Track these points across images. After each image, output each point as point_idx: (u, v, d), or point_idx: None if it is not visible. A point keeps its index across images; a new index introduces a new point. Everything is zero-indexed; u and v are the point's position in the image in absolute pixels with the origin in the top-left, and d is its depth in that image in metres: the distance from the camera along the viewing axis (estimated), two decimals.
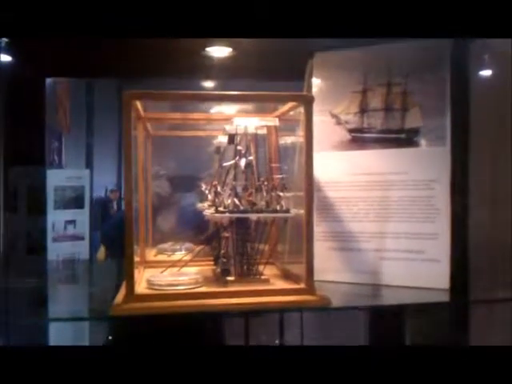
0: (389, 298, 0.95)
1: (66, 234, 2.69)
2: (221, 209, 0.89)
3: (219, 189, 0.91)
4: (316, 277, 0.86)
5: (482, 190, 1.01)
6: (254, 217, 0.90)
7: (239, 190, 0.89)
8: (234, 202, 0.88)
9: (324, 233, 1.04)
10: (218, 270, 0.93)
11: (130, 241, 0.81)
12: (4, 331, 0.85)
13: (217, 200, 0.90)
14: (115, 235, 2.07)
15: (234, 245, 0.93)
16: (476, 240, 0.96)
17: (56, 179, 2.76)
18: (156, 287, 0.85)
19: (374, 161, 1.01)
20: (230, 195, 0.89)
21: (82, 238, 2.78)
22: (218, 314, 0.93)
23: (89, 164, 2.95)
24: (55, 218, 2.68)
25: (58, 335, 1.13)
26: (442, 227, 0.95)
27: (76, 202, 2.80)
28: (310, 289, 0.84)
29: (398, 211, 0.99)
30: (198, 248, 1.06)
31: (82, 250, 2.80)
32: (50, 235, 2.56)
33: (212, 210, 0.91)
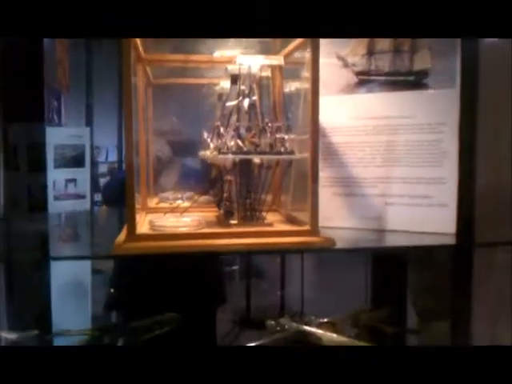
0: (394, 242, 0.93)
1: (67, 192, 2.68)
2: (224, 151, 0.87)
3: (222, 130, 0.89)
4: (321, 224, 0.85)
5: (490, 134, 0.99)
6: (257, 159, 0.88)
7: (242, 131, 0.87)
8: (237, 144, 0.86)
9: (329, 179, 1.02)
10: (221, 212, 0.91)
11: (131, 181, 0.79)
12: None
13: (219, 141, 0.88)
14: (116, 195, 2.05)
15: (237, 188, 0.91)
16: (483, 184, 0.94)
17: (56, 137, 2.73)
18: (158, 228, 0.84)
19: (381, 104, 0.98)
20: (232, 137, 0.87)
21: (84, 197, 2.77)
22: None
23: (89, 123, 2.92)
24: (56, 176, 2.67)
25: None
26: (449, 171, 0.93)
27: (76, 160, 2.78)
28: (315, 230, 0.83)
29: (404, 156, 0.97)
30: (201, 194, 1.04)
31: (83, 208, 2.80)
32: (51, 194, 2.55)
33: (215, 153, 0.89)
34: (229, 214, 0.88)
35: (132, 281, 1.94)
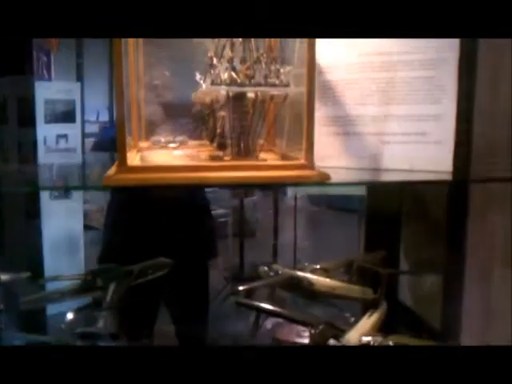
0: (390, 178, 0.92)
1: (58, 148, 2.66)
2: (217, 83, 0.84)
3: (215, 61, 0.86)
4: (316, 163, 0.83)
5: (489, 70, 0.97)
6: (251, 93, 0.86)
7: (236, 62, 0.84)
8: (231, 76, 0.83)
9: (324, 118, 0.99)
10: (214, 145, 0.89)
11: (121, 111, 0.77)
12: None
13: (212, 72, 0.85)
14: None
15: (231, 124, 0.89)
16: (480, 122, 0.93)
17: (46, 92, 2.69)
18: (149, 161, 0.82)
19: (379, 40, 0.95)
20: (226, 69, 0.84)
21: (74, 151, 2.75)
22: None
23: (80, 78, 2.87)
24: (47, 132, 2.64)
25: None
26: (447, 108, 0.91)
27: (67, 116, 2.74)
28: (310, 164, 0.81)
29: (402, 92, 0.95)
30: (194, 129, 1.01)
31: (74, 161, 2.78)
32: (41, 149, 2.53)
33: (208, 85, 0.86)
34: (222, 146, 0.86)
35: (125, 229, 1.94)
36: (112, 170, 0.78)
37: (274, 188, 3.33)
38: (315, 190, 3.09)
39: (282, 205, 3.74)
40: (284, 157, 0.96)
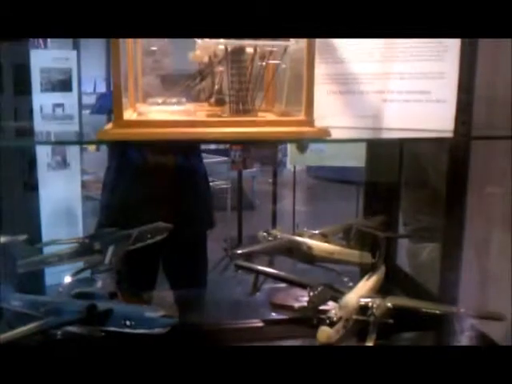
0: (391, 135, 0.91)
1: (55, 116, 2.62)
2: None
3: None
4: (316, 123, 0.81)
5: None
6: (250, 47, 0.84)
7: None
8: None
9: (324, 76, 0.97)
10: (212, 101, 0.87)
11: (117, 68, 0.75)
12: None
13: None
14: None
15: (229, 80, 0.87)
16: (482, 80, 0.91)
17: (42, 60, 2.64)
18: (147, 116, 0.80)
19: None
20: None
21: (71, 118, 2.71)
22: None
23: (76, 46, 2.81)
24: (43, 100, 2.60)
25: None
26: (450, 66, 0.89)
27: (64, 84, 2.70)
28: (310, 120, 0.79)
29: (404, 50, 0.92)
30: (193, 85, 0.99)
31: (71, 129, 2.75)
32: (38, 118, 2.49)
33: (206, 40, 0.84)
34: (220, 102, 0.84)
35: (123, 197, 1.93)
36: (108, 126, 0.77)
37: (272, 160, 3.32)
38: (314, 160, 3.07)
39: (281, 178, 3.73)
40: (283, 114, 0.94)
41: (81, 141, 0.91)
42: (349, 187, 3.48)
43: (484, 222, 1.32)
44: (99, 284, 1.03)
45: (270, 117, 0.95)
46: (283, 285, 1.33)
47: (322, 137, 0.79)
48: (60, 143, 0.83)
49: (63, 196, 2.63)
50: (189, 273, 2.04)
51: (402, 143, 1.14)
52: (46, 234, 1.46)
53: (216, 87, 0.88)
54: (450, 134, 0.88)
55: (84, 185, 2.90)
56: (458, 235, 1.19)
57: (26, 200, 1.64)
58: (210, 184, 2.23)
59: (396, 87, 0.93)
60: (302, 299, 1.20)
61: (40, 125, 2.27)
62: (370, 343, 0.98)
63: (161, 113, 0.82)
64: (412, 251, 1.69)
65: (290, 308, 1.22)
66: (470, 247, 1.23)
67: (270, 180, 3.42)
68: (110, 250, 1.14)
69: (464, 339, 1.07)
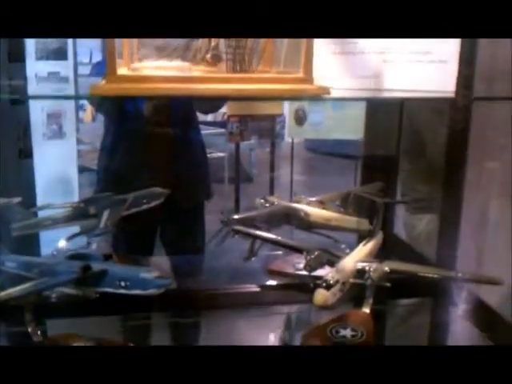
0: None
1: (50, 81, 2.57)
2: None
3: None
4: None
5: None
6: None
7: None
8: None
9: None
10: (208, 57, 0.85)
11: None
12: None
13: None
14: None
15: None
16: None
17: None
18: (141, 71, 0.78)
19: None
20: None
21: (66, 81, 2.67)
22: None
23: None
24: (38, 68, 2.55)
25: None
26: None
27: (59, 52, 2.65)
28: (309, 77, 0.77)
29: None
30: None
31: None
32: (33, 83, 2.45)
33: None
34: (216, 58, 0.82)
35: (119, 165, 1.92)
36: (101, 81, 0.75)
37: (270, 132, 3.29)
38: (312, 133, 3.05)
39: (279, 151, 3.71)
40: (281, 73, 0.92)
41: (76, 95, 0.89)
42: (347, 161, 3.46)
43: (483, 190, 1.31)
44: (94, 247, 1.02)
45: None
46: (280, 252, 1.32)
47: (321, 94, 0.77)
48: (53, 97, 0.82)
49: (59, 165, 2.61)
50: (186, 242, 2.04)
51: (401, 109, 1.12)
52: (42, 203, 1.45)
53: (212, 44, 0.85)
54: (451, 95, 0.86)
55: (80, 155, 2.88)
56: (457, 204, 1.18)
57: (21, 168, 1.62)
58: (208, 155, 2.23)
59: (397, 48, 0.91)
60: (298, 266, 1.20)
61: (35, 88, 2.24)
62: (366, 308, 0.98)
63: (155, 69, 0.80)
64: (409, 223, 1.68)
65: (287, 274, 1.22)
66: (468, 216, 1.23)
67: (268, 152, 3.40)
68: (105, 214, 1.13)
69: (461, 306, 1.07)
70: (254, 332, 1.16)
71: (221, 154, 3.42)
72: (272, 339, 1.12)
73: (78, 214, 1.15)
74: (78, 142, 2.91)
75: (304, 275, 1.11)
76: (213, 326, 1.15)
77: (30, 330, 0.91)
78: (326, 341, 0.93)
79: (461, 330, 1.04)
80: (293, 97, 0.83)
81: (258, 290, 1.15)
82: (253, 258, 1.13)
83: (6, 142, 1.66)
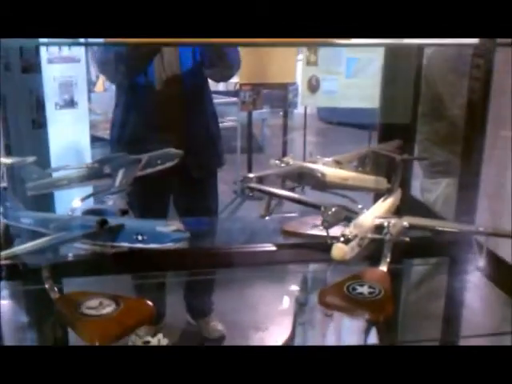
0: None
1: (61, 55, 2.56)
2: None
3: None
4: None
5: None
6: None
7: None
8: None
9: None
10: None
11: None
12: None
13: None
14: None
15: None
16: None
17: None
18: None
19: None
20: None
21: (78, 61, 2.66)
22: None
23: None
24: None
25: None
26: None
27: None
28: None
29: None
30: None
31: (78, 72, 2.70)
32: (44, 57, 2.44)
33: None
34: None
35: (132, 134, 1.92)
36: None
37: (283, 101, 3.26)
38: (325, 101, 3.01)
39: (291, 121, 3.67)
40: None
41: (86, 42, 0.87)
42: (360, 132, 3.43)
43: (503, 150, 1.28)
44: (111, 203, 1.02)
45: None
46: (295, 214, 1.31)
47: None
48: (66, 44, 0.80)
49: (72, 135, 2.60)
50: (199, 211, 2.05)
51: (420, 60, 1.09)
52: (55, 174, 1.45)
53: None
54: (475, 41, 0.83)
55: (92, 125, 2.87)
56: (476, 167, 1.16)
57: (34, 138, 1.62)
58: (220, 125, 2.22)
59: None
60: (314, 227, 1.18)
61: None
62: (383, 267, 0.97)
63: None
64: (427, 187, 1.66)
65: (302, 235, 1.21)
66: (487, 179, 1.20)
67: (281, 124, 3.37)
68: (120, 173, 1.12)
69: (478, 264, 1.05)
70: (269, 291, 1.16)
71: (233, 124, 3.39)
72: (287, 298, 1.12)
73: (93, 173, 1.14)
74: (90, 112, 2.91)
75: (319, 235, 1.10)
76: (228, 284, 1.15)
77: (47, 286, 0.91)
78: (342, 298, 0.92)
79: (478, 288, 1.03)
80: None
81: (273, 248, 1.14)
82: (267, 217, 1.11)
83: (18, 112, 1.65)
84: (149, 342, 1.01)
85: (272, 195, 1.09)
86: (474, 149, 1.15)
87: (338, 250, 0.87)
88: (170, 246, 0.83)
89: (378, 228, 0.94)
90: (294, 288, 1.17)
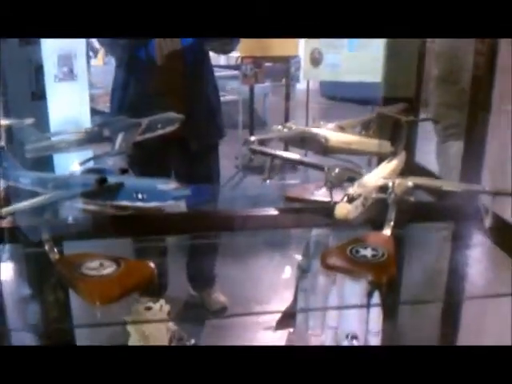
0: None
1: None
2: None
3: None
4: None
5: None
6: None
7: None
8: None
9: None
10: None
11: None
12: None
13: None
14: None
15: None
16: None
17: None
18: None
19: None
20: None
21: None
22: None
23: None
24: None
25: None
26: None
27: None
28: None
29: None
30: None
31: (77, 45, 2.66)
32: None
33: None
34: None
35: (132, 104, 1.90)
36: None
37: (285, 74, 3.22)
38: (328, 75, 2.97)
39: (293, 96, 3.64)
40: None
41: None
42: (364, 108, 3.39)
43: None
44: (110, 161, 1.01)
45: None
46: (298, 181, 1.30)
47: None
48: None
49: (72, 108, 2.57)
50: (200, 183, 2.03)
51: None
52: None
53: None
54: None
55: (92, 98, 2.84)
56: (483, 129, 1.14)
57: (34, 110, 1.60)
58: (221, 98, 2.20)
59: None
60: (317, 193, 1.17)
61: None
62: (387, 230, 0.95)
63: None
64: (440, 151, 1.65)
65: (305, 200, 1.19)
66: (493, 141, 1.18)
67: (283, 98, 3.33)
68: (120, 136, 1.11)
69: (483, 227, 1.04)
70: (271, 257, 1.15)
71: (234, 97, 3.35)
72: (289, 262, 1.11)
73: (93, 137, 1.13)
74: (90, 85, 2.87)
75: (322, 201, 1.09)
76: (230, 247, 1.14)
77: (46, 247, 0.90)
78: (345, 260, 0.91)
79: (483, 251, 1.02)
80: None
81: (275, 213, 1.12)
82: (269, 181, 1.10)
83: (18, 84, 1.63)
84: (151, 307, 1.00)
85: (274, 157, 1.07)
86: (480, 115, 1.14)
87: (341, 209, 0.86)
88: (171, 203, 0.82)
89: (383, 189, 0.93)
90: (297, 254, 1.16)
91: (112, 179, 0.86)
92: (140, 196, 0.83)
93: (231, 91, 3.35)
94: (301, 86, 3.86)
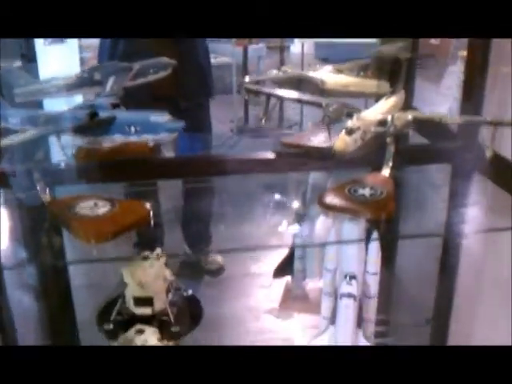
0: None
1: None
2: None
3: None
4: None
5: None
6: None
7: None
8: None
9: None
10: None
11: None
12: None
13: None
14: None
15: None
16: None
17: None
18: None
19: None
20: None
21: None
22: None
23: None
24: None
25: None
26: None
27: None
28: None
29: None
30: None
31: None
32: None
33: None
34: None
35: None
36: None
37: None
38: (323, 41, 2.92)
39: (288, 59, 3.59)
40: None
41: None
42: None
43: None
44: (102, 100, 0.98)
45: None
46: (294, 130, 1.28)
47: None
48: None
49: (62, 71, 2.52)
50: (193, 138, 2.01)
51: None
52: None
53: None
54: None
55: (82, 62, 2.79)
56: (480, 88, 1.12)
57: (24, 71, 1.56)
58: (214, 60, 2.15)
59: None
60: (313, 140, 1.15)
61: None
62: (385, 171, 0.94)
63: None
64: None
65: (301, 146, 1.17)
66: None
67: (277, 61, 3.28)
68: (111, 80, 1.08)
69: (480, 167, 1.02)
70: (268, 203, 1.13)
71: (228, 60, 3.30)
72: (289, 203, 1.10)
73: (83, 81, 1.10)
74: (80, 48, 2.83)
75: (317, 147, 1.07)
76: (224, 191, 1.12)
77: (38, 188, 0.88)
78: (343, 199, 0.89)
79: (480, 189, 1.01)
80: None
81: (271, 157, 1.10)
82: (263, 120, 1.08)
83: (7, 46, 1.58)
84: (147, 257, 0.99)
85: (270, 95, 1.05)
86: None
87: (340, 142, 0.84)
88: (165, 136, 0.80)
89: (382, 123, 0.91)
90: (294, 200, 1.14)
91: (103, 114, 0.84)
92: (133, 129, 0.81)
93: (224, 53, 3.28)
94: (296, 49, 3.81)
